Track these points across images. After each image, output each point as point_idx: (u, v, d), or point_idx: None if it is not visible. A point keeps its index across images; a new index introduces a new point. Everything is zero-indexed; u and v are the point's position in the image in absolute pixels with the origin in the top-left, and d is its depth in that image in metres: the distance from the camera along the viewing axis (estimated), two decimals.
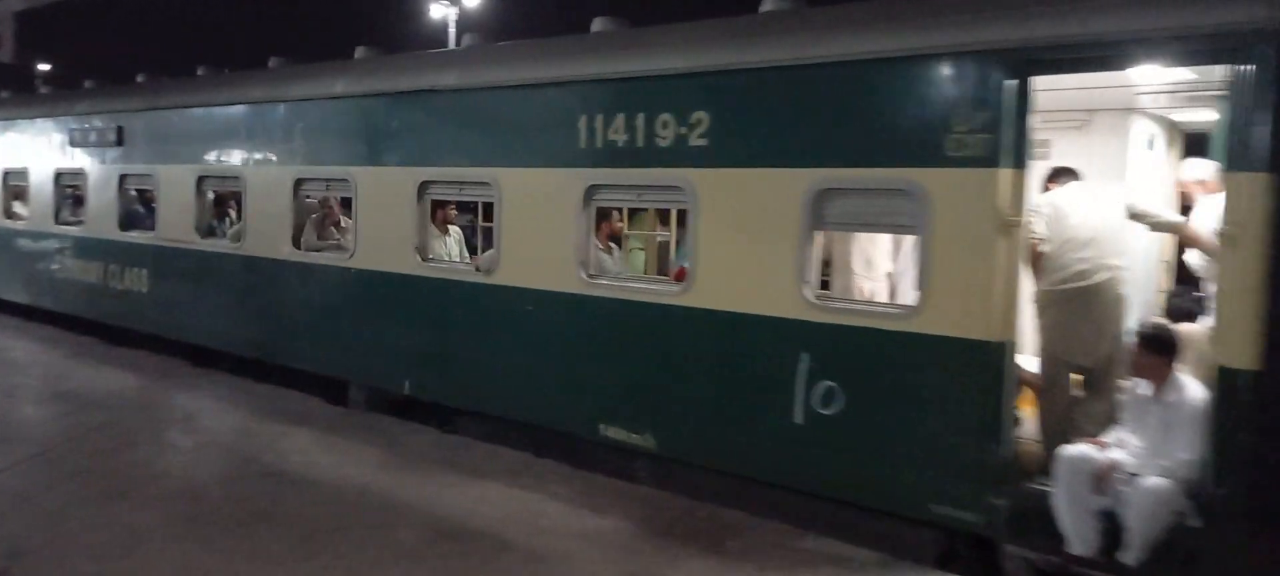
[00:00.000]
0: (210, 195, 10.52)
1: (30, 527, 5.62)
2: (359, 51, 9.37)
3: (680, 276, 6.92)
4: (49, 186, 12.54)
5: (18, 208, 13.59)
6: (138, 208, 11.76)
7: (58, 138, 12.34)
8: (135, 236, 11.19)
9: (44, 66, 51.53)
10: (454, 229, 9.31)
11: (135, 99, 11.29)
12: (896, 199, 5.51)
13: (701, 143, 6.21)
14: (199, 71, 11.20)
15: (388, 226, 8.25)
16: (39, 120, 12.90)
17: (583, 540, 5.75)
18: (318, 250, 9.23)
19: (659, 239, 10.02)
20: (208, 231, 10.43)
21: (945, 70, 5.26)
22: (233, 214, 10.99)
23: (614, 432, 6.75)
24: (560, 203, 6.96)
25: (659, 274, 9.04)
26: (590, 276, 6.95)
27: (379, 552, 5.47)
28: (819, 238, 6.00)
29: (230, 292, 9.90)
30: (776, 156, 5.92)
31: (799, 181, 5.81)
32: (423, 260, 8.08)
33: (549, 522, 6.03)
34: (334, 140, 8.84)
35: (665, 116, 6.37)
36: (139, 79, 11.90)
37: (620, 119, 6.59)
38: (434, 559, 5.43)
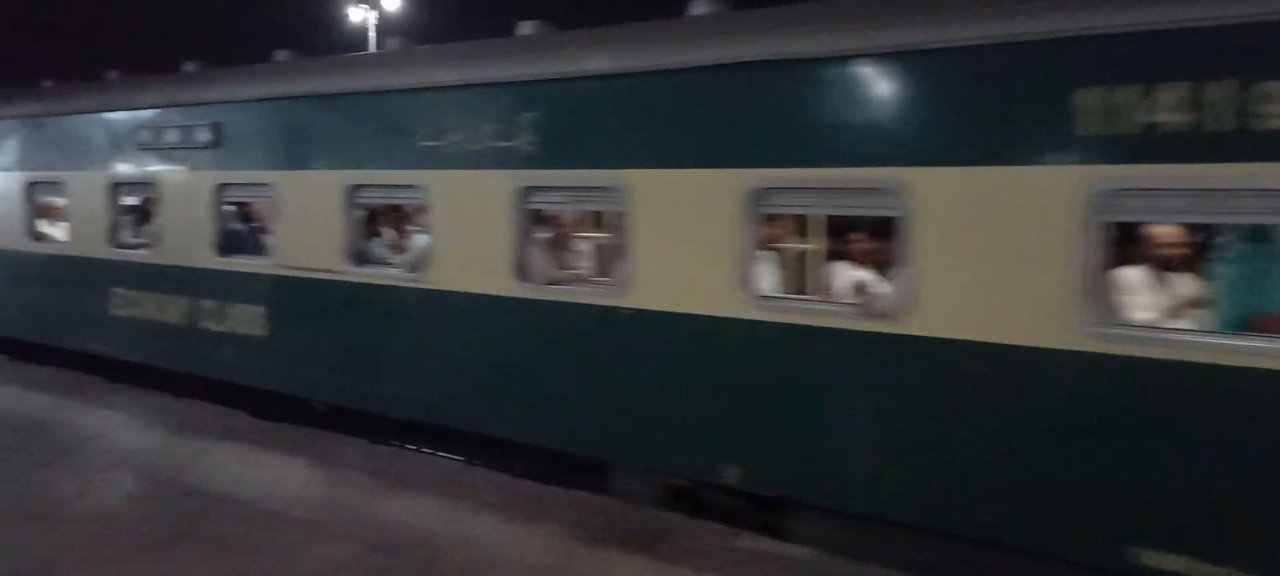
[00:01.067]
0: (362, 209, 8.11)
1: None
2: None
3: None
4: (100, 200, 10.20)
5: (50, 228, 11.13)
6: (238, 226, 9.41)
7: (113, 138, 10.04)
8: (242, 264, 8.89)
9: None
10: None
11: (246, 85, 8.93)
12: None
13: None
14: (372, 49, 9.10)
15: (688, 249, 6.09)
16: (81, 117, 10.49)
17: (517, 547, 5.69)
18: (556, 283, 7.00)
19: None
20: (360, 257, 8.09)
21: None
22: (391, 233, 8.77)
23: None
24: None
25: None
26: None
27: (307, 567, 5.32)
28: None
29: (409, 341, 7.65)
30: None
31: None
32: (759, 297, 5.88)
33: (482, 531, 5.94)
34: (601, 131, 6.54)
35: None
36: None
37: None
38: (365, 572, 5.30)
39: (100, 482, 6.87)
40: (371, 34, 31.88)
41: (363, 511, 6.25)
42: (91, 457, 7.50)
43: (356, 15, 32.44)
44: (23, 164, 11.11)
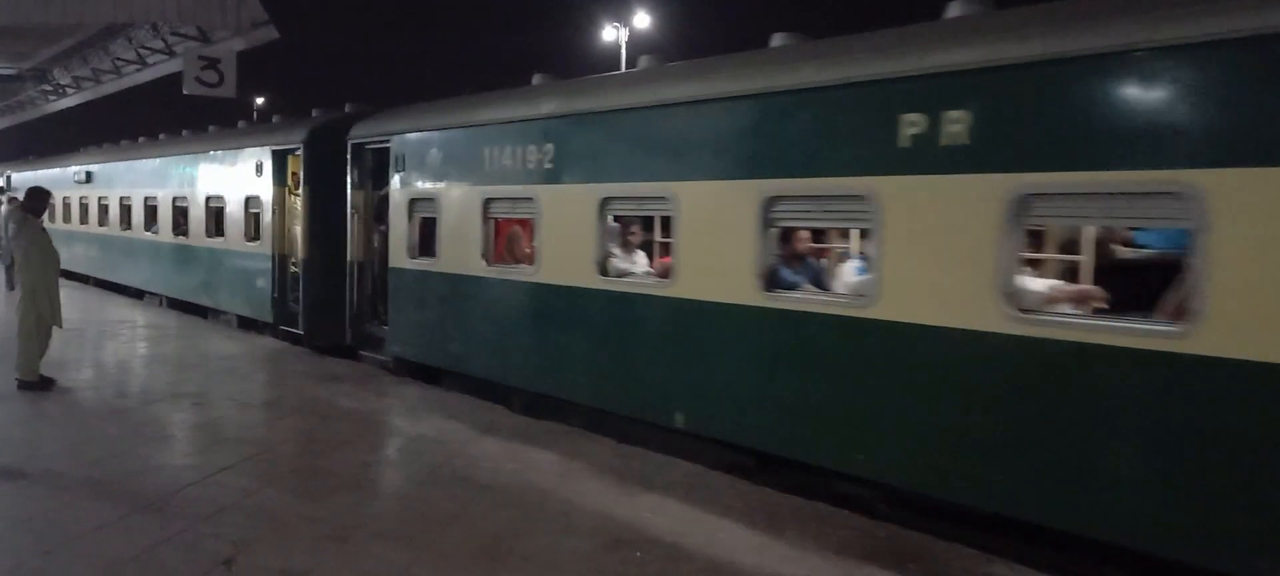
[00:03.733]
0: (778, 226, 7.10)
1: (253, 519, 6.22)
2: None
3: None
4: (476, 218, 9.89)
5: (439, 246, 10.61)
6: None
7: (496, 152, 9.62)
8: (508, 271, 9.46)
9: (259, 99, 56.81)
10: None
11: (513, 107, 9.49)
12: None
13: None
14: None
15: None
16: (467, 131, 10.20)
17: (758, 553, 5.76)
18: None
19: None
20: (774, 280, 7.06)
21: None
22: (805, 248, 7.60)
23: None
24: None
25: None
26: None
27: (560, 557, 5.68)
28: None
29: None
30: None
31: None
32: None
33: (726, 535, 6.04)
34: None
35: None
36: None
37: None
38: (613, 564, 5.58)
39: (386, 464, 7.83)
40: (623, 52, 33.12)
41: (611, 507, 6.57)
42: (379, 442, 8.50)
43: (609, 35, 33.86)
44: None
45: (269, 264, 14.26)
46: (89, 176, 22.79)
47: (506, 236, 10.06)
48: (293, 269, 14.52)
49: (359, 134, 12.26)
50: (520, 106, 9.51)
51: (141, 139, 22.69)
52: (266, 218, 14.31)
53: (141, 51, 20.02)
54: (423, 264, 10.92)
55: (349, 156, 12.42)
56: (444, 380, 11.02)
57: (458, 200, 10.25)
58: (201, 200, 16.55)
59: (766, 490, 6.94)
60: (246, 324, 15.41)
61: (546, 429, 8.77)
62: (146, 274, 19.39)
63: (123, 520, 6.10)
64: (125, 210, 20.42)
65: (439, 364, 10.82)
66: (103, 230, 21.83)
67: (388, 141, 11.51)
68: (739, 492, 6.91)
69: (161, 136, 20.81)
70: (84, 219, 23.23)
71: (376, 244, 12.41)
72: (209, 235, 16.32)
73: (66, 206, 24.33)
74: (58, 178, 25.27)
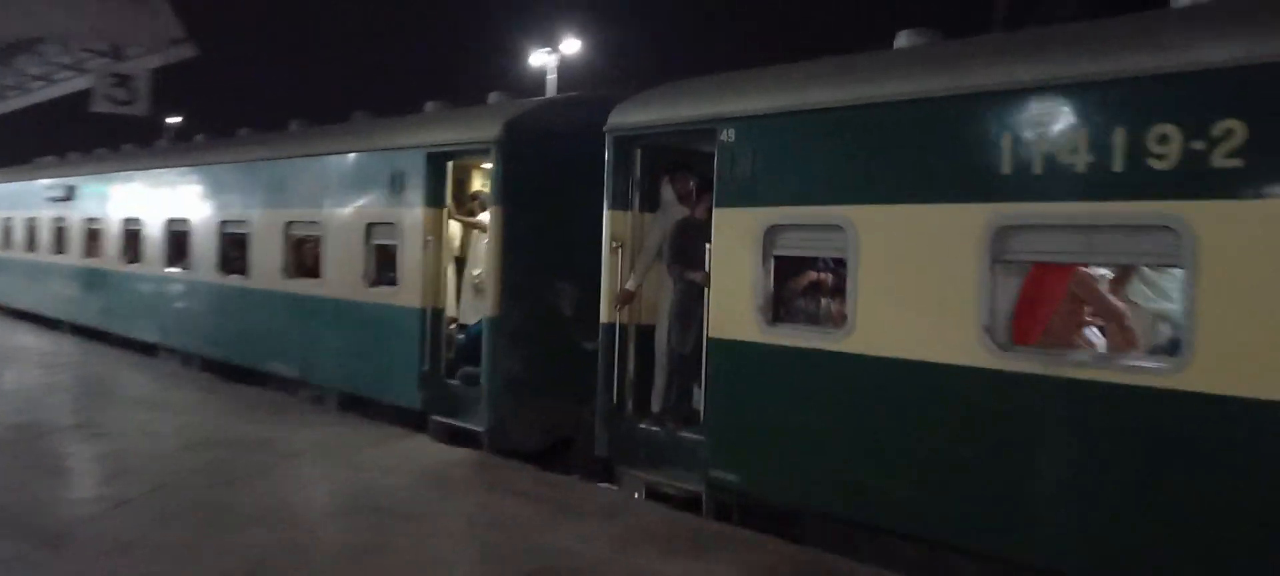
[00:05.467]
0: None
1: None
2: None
3: None
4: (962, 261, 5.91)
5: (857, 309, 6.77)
6: None
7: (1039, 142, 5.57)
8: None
9: (172, 120, 50.70)
10: None
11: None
12: None
13: None
14: None
15: None
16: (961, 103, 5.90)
17: None
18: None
19: None
20: None
21: None
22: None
23: None
24: None
25: None
26: None
27: None
28: None
29: None
30: None
31: None
32: None
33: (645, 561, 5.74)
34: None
35: None
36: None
37: None
38: None
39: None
40: (551, 78, 30.99)
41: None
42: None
43: (536, 60, 31.79)
44: None
45: (413, 322, 9.51)
46: (70, 193, 17.50)
47: (1054, 295, 5.60)
48: (451, 330, 9.84)
49: (635, 120, 7.71)
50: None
51: (162, 141, 17.97)
52: (410, 253, 9.59)
53: (49, 67, 18.89)
54: (805, 338, 6.45)
55: (610, 158, 7.84)
56: (806, 532, 6.53)
57: (919, 227, 5.79)
58: (271, 227, 11.69)
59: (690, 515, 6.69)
60: (355, 404, 10.56)
61: None
62: (168, 322, 14.25)
63: None
64: (131, 237, 15.28)
65: (835, 509, 6.32)
66: (93, 262, 16.54)
67: (710, 131, 6.98)
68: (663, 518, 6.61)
69: (200, 138, 16.01)
70: (61, 248, 17.91)
71: (660, 296, 7.85)
72: (289, 275, 11.46)
73: (32, 232, 19.04)
74: (16, 195, 19.81)
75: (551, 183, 8.76)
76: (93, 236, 16.60)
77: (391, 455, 8.77)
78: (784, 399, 6.49)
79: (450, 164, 9.54)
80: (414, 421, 9.78)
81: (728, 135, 6.82)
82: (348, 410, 10.71)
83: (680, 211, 7.65)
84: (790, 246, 6.60)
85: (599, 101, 8.39)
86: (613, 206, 7.78)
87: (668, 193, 7.77)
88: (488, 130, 8.89)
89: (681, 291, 7.41)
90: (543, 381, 8.77)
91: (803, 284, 7.00)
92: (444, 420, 9.37)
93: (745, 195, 6.71)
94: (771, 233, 6.56)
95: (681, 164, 7.75)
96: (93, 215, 16.59)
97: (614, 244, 7.74)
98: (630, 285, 7.72)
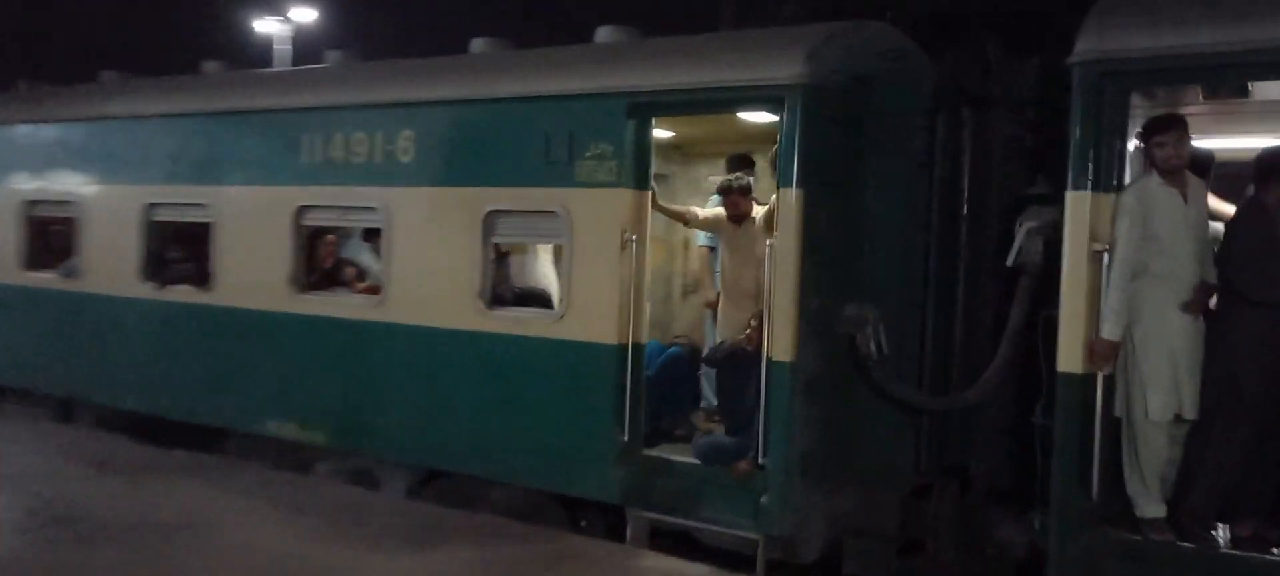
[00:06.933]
0: None
1: None
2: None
3: None
4: None
5: None
6: None
7: None
8: None
9: None
10: None
11: None
12: None
13: None
14: None
15: None
16: None
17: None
18: None
19: None
20: None
21: None
22: None
23: None
24: None
25: None
26: None
27: None
28: None
29: None
30: None
31: None
32: None
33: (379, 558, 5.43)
34: None
35: None
36: None
37: None
38: None
39: None
40: (278, 49, 26.18)
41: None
42: None
43: (263, 27, 27.23)
44: None
45: (604, 365, 6.06)
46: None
47: None
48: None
49: (1141, 44, 4.74)
50: None
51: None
52: (592, 259, 6.12)
53: None
54: None
55: (1081, 105, 4.85)
56: None
57: None
58: (264, 213, 7.57)
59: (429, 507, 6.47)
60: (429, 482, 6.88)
61: None
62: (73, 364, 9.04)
63: None
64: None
65: None
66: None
67: None
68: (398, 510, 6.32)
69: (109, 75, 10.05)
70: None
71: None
72: (300, 289, 7.41)
73: None
74: None
75: (866, 154, 5.79)
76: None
77: None
78: None
79: (655, 121, 6.20)
80: (585, 515, 6.43)
81: None
82: (417, 495, 7.02)
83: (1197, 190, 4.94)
84: None
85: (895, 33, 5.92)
86: (1090, 187, 4.88)
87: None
88: (776, 67, 5.66)
89: (1257, 320, 4.67)
90: (847, 458, 5.81)
91: None
92: (661, 518, 6.06)
93: None
94: None
95: (1170, 120, 5.00)
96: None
97: (1096, 247, 4.88)
98: (1111, 323, 4.86)
